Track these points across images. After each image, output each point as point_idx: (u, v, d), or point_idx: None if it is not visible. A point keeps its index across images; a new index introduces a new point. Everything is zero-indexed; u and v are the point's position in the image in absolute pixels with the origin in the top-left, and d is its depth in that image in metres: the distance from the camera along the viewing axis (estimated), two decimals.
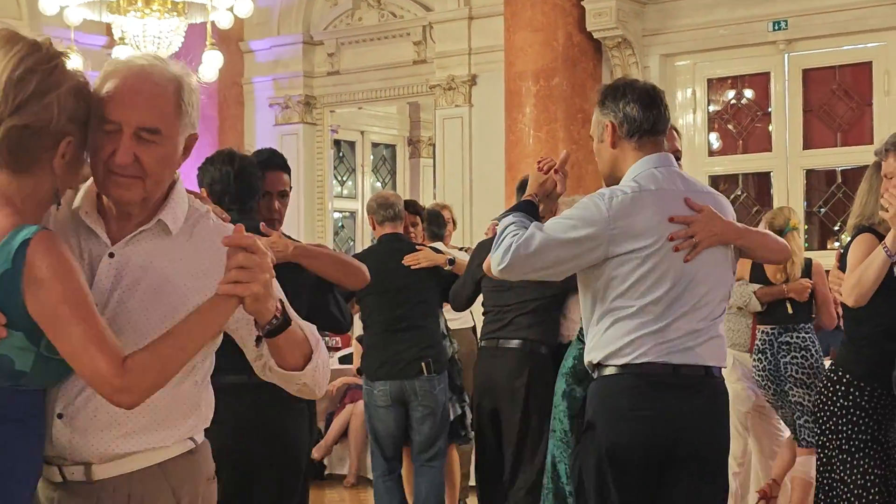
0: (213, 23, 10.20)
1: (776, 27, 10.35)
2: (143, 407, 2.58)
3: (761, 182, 10.76)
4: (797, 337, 6.55)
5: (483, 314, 6.77)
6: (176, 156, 2.68)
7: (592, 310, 3.98)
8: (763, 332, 7.09)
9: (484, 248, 6.43)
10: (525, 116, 10.66)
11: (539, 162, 4.37)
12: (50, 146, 2.55)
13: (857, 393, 4.85)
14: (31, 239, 2.47)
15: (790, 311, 6.83)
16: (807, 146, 10.48)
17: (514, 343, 6.48)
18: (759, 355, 7.00)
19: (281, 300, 2.58)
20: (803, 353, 6.59)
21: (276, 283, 2.60)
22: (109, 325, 2.53)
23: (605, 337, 3.93)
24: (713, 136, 11.02)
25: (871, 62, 10.17)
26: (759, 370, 7.03)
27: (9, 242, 2.47)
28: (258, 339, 2.67)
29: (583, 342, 4.18)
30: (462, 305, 6.99)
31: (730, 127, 10.93)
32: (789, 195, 10.45)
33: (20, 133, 2.51)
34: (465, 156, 11.92)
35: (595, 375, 4.00)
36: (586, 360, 4.03)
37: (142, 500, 2.66)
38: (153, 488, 2.67)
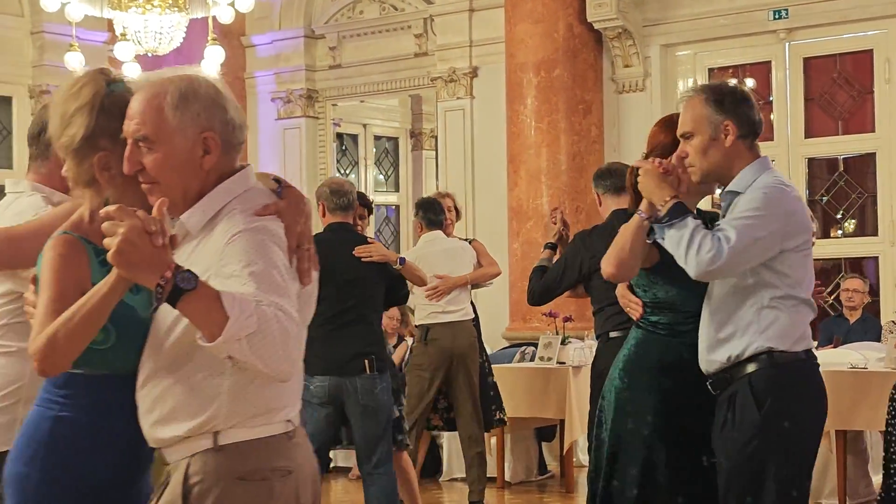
0: (214, 18, 10.22)
1: (776, 16, 10.37)
2: (164, 394, 2.72)
3: None
4: None
5: (599, 310, 6.31)
6: (184, 158, 2.75)
7: (743, 302, 4.06)
8: None
9: (587, 240, 6.16)
10: (526, 108, 10.68)
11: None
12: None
13: None
14: (55, 238, 2.80)
15: None
16: (808, 135, 10.50)
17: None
18: None
19: (182, 268, 2.51)
20: None
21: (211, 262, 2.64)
22: (154, 321, 2.76)
23: (777, 326, 4.04)
24: None
25: (871, 50, 10.18)
26: None
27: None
28: (154, 310, 2.72)
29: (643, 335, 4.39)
30: (550, 298, 6.59)
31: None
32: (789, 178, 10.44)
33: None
34: (466, 147, 11.94)
35: (755, 366, 4.05)
36: (736, 350, 4.06)
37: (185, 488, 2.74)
38: (175, 480, 2.74)
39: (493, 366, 9.24)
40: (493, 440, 9.00)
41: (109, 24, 11.40)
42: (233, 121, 2.80)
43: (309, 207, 2.87)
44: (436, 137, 13.13)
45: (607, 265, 4.17)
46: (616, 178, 6.16)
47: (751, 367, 4.04)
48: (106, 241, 2.50)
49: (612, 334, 6.05)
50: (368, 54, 12.71)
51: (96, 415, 2.82)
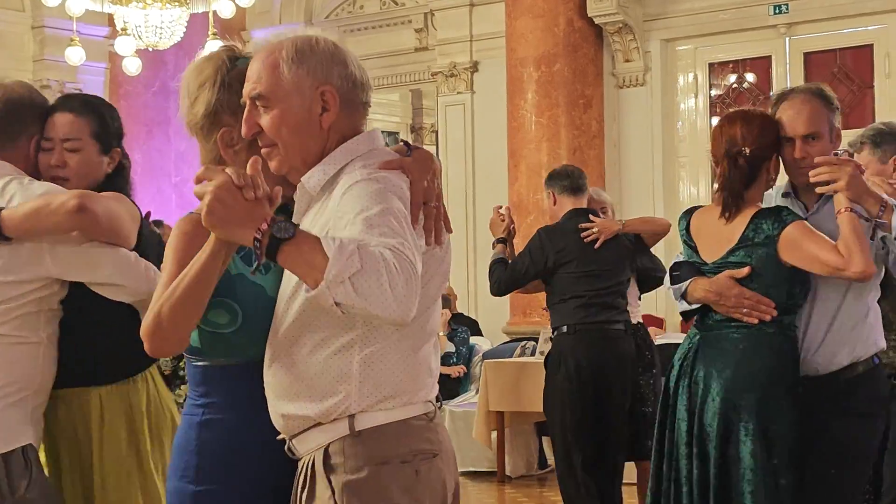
0: (214, 12, 10.22)
1: (777, 11, 10.37)
2: (289, 377, 2.58)
3: None
4: None
5: (561, 301, 6.47)
6: (301, 116, 2.62)
7: (864, 303, 4.09)
8: None
9: (552, 236, 6.45)
10: (527, 102, 10.69)
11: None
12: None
13: None
14: None
15: None
16: None
17: (621, 325, 6.51)
18: None
19: (278, 219, 2.36)
20: None
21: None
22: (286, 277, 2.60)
23: (875, 328, 4.11)
24: (715, 121, 11.03)
25: (871, 45, 10.19)
26: None
27: None
28: (256, 268, 2.47)
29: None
30: (514, 289, 6.70)
31: (731, 111, 10.93)
32: None
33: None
34: (467, 142, 11.95)
35: (862, 368, 4.08)
36: (854, 355, 4.06)
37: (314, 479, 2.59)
38: (318, 469, 2.59)
39: (493, 360, 9.27)
40: (494, 434, 9.02)
41: (110, 19, 11.41)
42: (353, 76, 2.65)
43: (437, 165, 2.71)
44: (436, 132, 13.15)
45: (865, 265, 3.87)
46: (574, 179, 6.58)
47: (861, 369, 4.07)
48: (198, 208, 2.40)
49: (578, 327, 6.28)
50: (369, 49, 12.70)
51: (241, 412, 2.68)
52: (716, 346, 4.07)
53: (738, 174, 4.03)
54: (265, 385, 2.63)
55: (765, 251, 3.98)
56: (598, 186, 10.67)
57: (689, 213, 4.25)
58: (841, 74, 10.36)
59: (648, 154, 10.98)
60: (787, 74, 10.49)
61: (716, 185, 4.25)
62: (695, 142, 10.99)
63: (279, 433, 2.64)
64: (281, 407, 2.60)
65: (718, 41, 10.87)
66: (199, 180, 2.40)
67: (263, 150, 2.63)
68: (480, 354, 10.23)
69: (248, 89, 2.64)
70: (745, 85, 10.90)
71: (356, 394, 2.54)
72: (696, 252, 4.15)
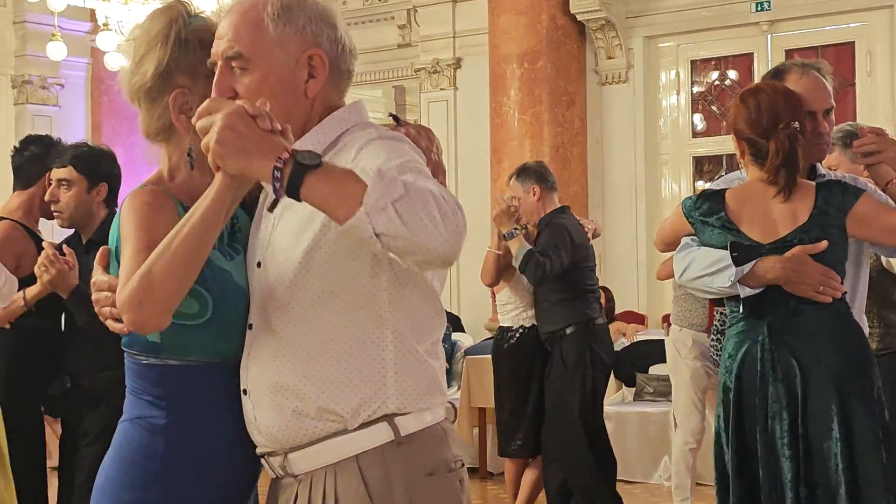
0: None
1: (759, 8, 10.40)
2: (304, 372, 2.22)
3: None
4: None
5: (579, 296, 6.67)
6: (286, 80, 2.30)
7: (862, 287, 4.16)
8: (721, 313, 7.17)
9: (574, 232, 6.69)
10: (510, 99, 10.69)
11: None
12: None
13: None
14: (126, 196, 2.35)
15: None
16: None
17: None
18: (717, 335, 7.11)
19: (300, 149, 2.04)
20: None
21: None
22: (270, 253, 2.26)
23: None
24: (697, 118, 11.06)
25: (853, 42, 10.22)
26: (716, 349, 7.14)
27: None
28: (272, 204, 2.20)
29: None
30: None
31: (713, 108, 10.97)
32: None
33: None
34: (450, 139, 11.94)
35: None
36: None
37: (336, 501, 2.24)
38: (347, 487, 2.24)
39: (475, 357, 9.29)
40: (476, 431, 9.02)
41: (92, 14, 11.36)
42: (343, 41, 2.35)
43: (438, 140, 2.48)
44: None
45: None
46: (552, 176, 6.91)
47: None
48: (203, 143, 2.05)
49: (599, 321, 6.47)
50: None
51: (204, 419, 2.32)
52: (796, 331, 3.81)
53: (797, 148, 3.84)
54: (255, 382, 2.28)
55: (835, 225, 3.82)
56: (581, 183, 10.72)
57: (717, 195, 3.96)
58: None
59: (631, 151, 11.00)
60: None
61: (743, 167, 4.04)
62: (677, 139, 11.01)
63: (247, 448, 2.32)
64: (285, 408, 2.24)
65: (701, 38, 10.89)
66: (202, 115, 2.08)
67: None
68: (462, 351, 10.23)
69: (222, 47, 2.29)
70: (728, 82, 10.92)
71: (393, 393, 2.22)
72: (741, 234, 3.87)
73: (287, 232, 2.25)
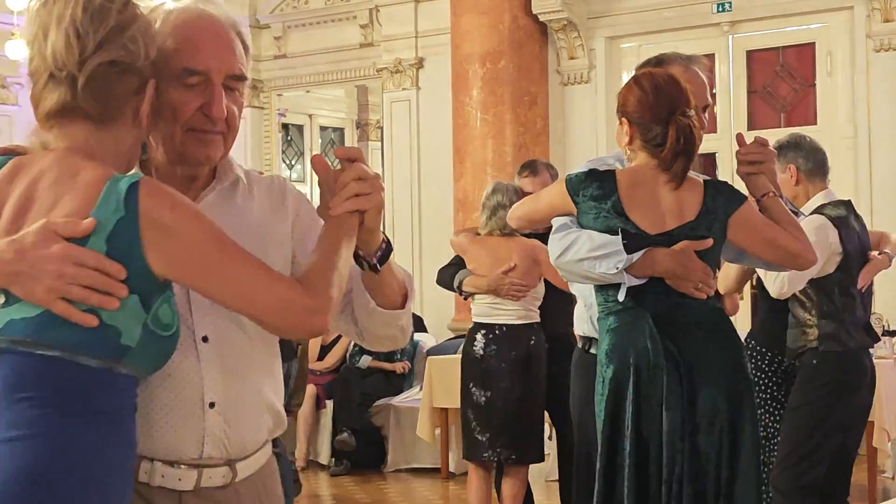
0: None
1: (720, 9, 10.45)
2: (268, 378, 2.37)
3: (707, 163, 10.83)
4: None
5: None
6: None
7: None
8: None
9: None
10: (472, 99, 10.70)
11: None
12: (136, 89, 2.19)
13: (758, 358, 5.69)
14: (138, 182, 2.08)
15: None
16: (751, 127, 10.56)
17: None
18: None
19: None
20: None
21: None
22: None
23: None
24: None
25: (813, 43, 10.27)
26: None
27: (112, 189, 2.08)
28: (372, 267, 2.30)
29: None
30: None
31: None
32: (734, 176, 10.50)
33: (107, 71, 2.14)
34: (412, 138, 11.94)
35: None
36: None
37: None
38: (271, 486, 2.42)
39: (438, 357, 9.29)
40: (438, 431, 9.02)
41: None
42: None
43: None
44: (382, 128, 13.13)
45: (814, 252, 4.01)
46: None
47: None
48: (359, 201, 2.19)
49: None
50: (314, 44, 12.67)
51: (130, 432, 2.14)
52: (679, 324, 3.79)
53: (694, 137, 3.78)
54: (231, 394, 2.27)
55: (719, 226, 3.79)
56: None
57: (608, 177, 3.82)
58: (783, 72, 10.44)
59: (593, 151, 11.00)
60: (730, 72, 10.56)
61: (629, 153, 3.92)
62: None
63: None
64: (262, 417, 2.34)
65: (662, 39, 10.90)
66: (358, 174, 2.20)
67: (211, 136, 2.30)
68: (425, 351, 10.23)
69: (226, 66, 2.30)
70: None
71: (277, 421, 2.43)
72: (629, 221, 3.77)
73: None
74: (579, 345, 4.40)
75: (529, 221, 4.13)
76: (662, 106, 3.77)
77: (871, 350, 5.54)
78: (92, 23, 2.13)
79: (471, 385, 6.65)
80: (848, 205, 5.55)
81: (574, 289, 4.37)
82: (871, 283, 5.57)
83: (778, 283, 5.17)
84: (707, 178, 3.94)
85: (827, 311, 5.33)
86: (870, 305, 5.69)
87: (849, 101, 9.99)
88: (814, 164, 5.59)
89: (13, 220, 2.11)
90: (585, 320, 4.29)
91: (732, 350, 3.84)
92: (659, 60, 4.17)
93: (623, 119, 3.87)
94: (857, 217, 5.56)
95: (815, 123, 10.27)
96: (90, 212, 2.06)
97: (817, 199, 5.52)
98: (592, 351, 4.18)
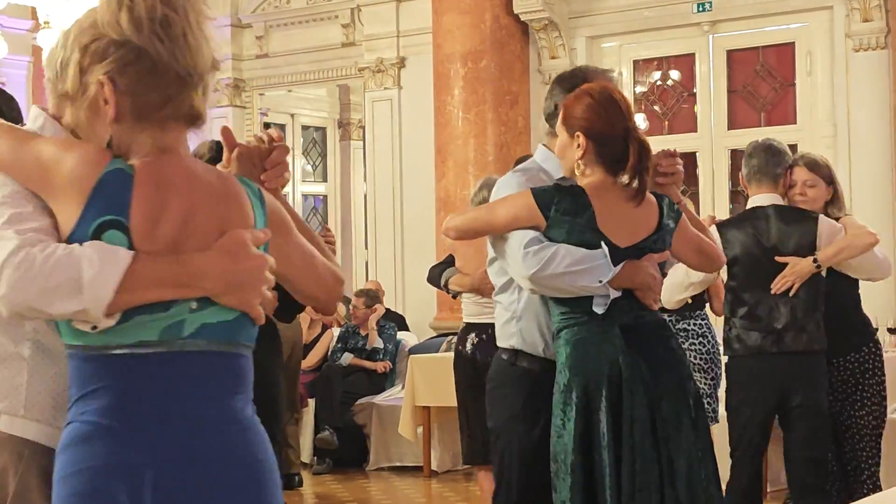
0: None
1: (700, 9, 10.48)
2: None
3: (687, 162, 10.74)
4: (693, 324, 6.61)
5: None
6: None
7: None
8: None
9: None
10: (454, 98, 10.72)
11: None
12: None
13: None
14: (258, 186, 2.44)
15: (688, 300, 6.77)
16: (731, 126, 10.62)
17: None
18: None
19: None
20: (700, 339, 6.66)
21: None
22: None
23: None
24: (639, 117, 11.11)
25: (793, 43, 10.31)
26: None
27: (252, 194, 2.36)
28: None
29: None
30: None
31: (656, 108, 11.04)
32: (714, 175, 10.60)
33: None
34: (394, 138, 11.95)
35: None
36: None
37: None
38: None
39: (420, 355, 9.30)
40: (420, 429, 9.04)
41: (33, 12, 11.28)
42: None
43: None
44: (363, 128, 13.14)
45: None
46: None
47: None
48: (286, 177, 2.62)
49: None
50: (296, 44, 12.68)
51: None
52: (642, 337, 3.84)
53: (648, 152, 3.82)
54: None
55: (669, 237, 3.89)
56: None
57: (579, 193, 3.82)
58: (763, 72, 10.49)
59: None
60: (710, 72, 10.60)
61: (582, 167, 3.88)
62: None
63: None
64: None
65: (643, 38, 10.96)
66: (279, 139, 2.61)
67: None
68: (407, 350, 10.25)
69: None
70: (670, 82, 11.00)
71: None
72: (603, 236, 3.79)
73: None
74: (504, 357, 4.18)
75: (476, 233, 4.11)
76: (619, 120, 3.80)
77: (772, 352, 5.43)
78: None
79: (466, 387, 6.51)
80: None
81: (502, 299, 4.19)
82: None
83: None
84: (656, 191, 4.00)
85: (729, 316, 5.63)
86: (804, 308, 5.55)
87: (828, 101, 10.03)
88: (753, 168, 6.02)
89: (181, 227, 2.24)
90: (515, 333, 4.12)
91: (682, 358, 3.96)
92: (579, 74, 4.22)
93: (578, 133, 3.85)
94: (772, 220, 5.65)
95: (795, 123, 10.33)
96: (250, 217, 2.31)
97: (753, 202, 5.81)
98: (524, 364, 4.11)
